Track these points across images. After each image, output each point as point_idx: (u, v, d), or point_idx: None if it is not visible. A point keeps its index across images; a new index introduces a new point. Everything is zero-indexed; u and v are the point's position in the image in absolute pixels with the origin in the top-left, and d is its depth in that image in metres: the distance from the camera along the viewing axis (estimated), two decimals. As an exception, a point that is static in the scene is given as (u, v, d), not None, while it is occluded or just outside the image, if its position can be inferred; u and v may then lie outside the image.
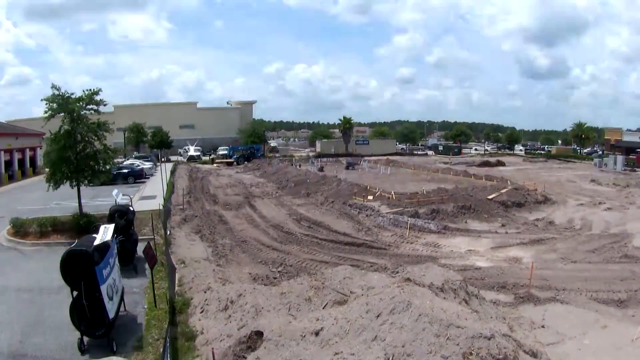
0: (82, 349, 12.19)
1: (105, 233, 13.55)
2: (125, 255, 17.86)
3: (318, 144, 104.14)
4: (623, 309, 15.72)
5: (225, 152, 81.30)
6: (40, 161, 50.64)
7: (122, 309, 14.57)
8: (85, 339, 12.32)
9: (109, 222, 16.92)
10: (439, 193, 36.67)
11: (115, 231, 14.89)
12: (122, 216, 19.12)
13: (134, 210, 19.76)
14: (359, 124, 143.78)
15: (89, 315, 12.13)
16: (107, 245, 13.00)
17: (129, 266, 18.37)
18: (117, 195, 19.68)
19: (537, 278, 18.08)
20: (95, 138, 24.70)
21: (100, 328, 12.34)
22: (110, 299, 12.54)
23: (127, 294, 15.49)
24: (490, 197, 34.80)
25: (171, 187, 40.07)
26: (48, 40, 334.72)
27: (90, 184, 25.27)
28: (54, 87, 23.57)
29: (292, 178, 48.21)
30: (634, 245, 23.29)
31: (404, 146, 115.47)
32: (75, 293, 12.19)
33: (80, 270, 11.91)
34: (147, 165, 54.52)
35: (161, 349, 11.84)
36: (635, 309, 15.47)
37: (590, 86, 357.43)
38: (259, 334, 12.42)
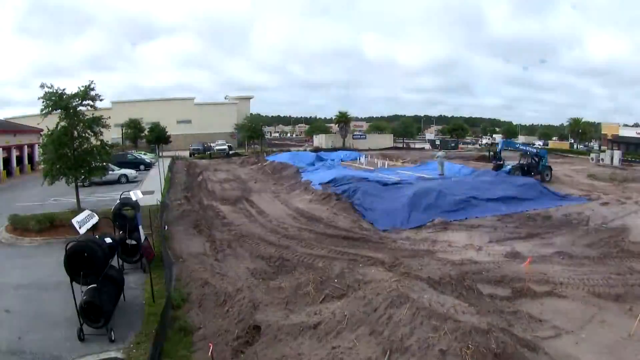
0: (82, 337, 12.65)
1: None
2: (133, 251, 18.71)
3: (315, 139, 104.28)
4: (620, 303, 15.74)
5: (224, 147, 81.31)
6: (38, 158, 50.75)
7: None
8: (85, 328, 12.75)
9: (115, 221, 19.04)
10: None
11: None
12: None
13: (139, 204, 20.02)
14: (356, 119, 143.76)
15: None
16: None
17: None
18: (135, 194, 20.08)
19: (534, 272, 18.11)
20: (92, 134, 24.71)
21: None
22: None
23: (126, 289, 15.53)
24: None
25: (169, 182, 40.07)
26: None
27: (86, 185, 25.41)
28: (43, 85, 23.55)
29: (288, 173, 48.14)
30: (630, 239, 23.30)
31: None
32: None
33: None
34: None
35: (158, 345, 11.89)
36: (632, 303, 15.50)
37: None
38: (257, 328, 12.47)
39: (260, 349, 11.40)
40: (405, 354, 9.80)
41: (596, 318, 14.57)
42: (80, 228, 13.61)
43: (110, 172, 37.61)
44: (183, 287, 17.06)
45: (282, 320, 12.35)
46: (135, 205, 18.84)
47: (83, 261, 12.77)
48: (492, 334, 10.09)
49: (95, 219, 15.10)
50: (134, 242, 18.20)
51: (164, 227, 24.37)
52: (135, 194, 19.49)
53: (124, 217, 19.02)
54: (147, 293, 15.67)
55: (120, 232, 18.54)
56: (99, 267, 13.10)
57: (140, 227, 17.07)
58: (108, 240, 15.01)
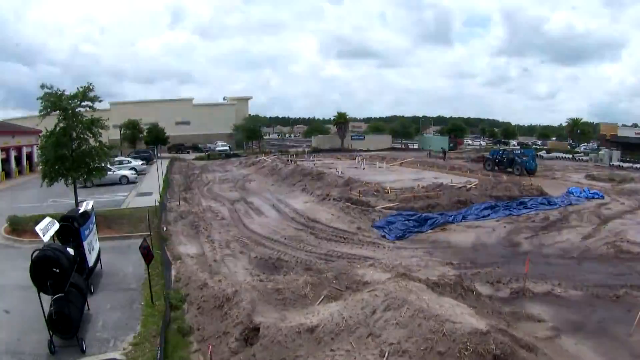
0: (53, 350, 12.32)
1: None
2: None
3: (313, 140, 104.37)
4: (619, 304, 15.79)
5: (225, 147, 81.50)
6: (37, 159, 50.66)
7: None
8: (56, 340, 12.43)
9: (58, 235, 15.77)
10: (434, 187, 36.67)
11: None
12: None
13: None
14: (355, 120, 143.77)
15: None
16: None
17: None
18: (86, 204, 19.39)
19: (533, 272, 18.14)
20: (90, 135, 24.69)
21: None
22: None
23: (125, 290, 15.55)
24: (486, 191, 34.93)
25: (167, 183, 40.07)
26: None
27: (88, 186, 25.36)
28: (43, 86, 23.53)
29: (287, 173, 48.10)
30: (629, 240, 23.38)
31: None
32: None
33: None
34: None
35: (157, 346, 11.88)
36: (631, 304, 15.53)
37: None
38: (255, 330, 12.45)
39: (259, 351, 11.39)
40: (404, 356, 9.79)
41: (595, 319, 14.60)
42: (44, 235, 13.34)
43: (110, 172, 37.47)
44: (182, 288, 17.07)
45: (281, 322, 12.34)
46: (78, 219, 16.72)
47: (50, 270, 12.42)
48: (490, 335, 10.10)
49: (57, 225, 14.84)
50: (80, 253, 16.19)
51: (163, 228, 24.38)
52: (87, 204, 18.82)
53: (67, 231, 16.27)
54: (146, 294, 15.66)
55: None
56: (65, 276, 12.73)
57: (85, 242, 16.40)
58: (69, 249, 14.55)
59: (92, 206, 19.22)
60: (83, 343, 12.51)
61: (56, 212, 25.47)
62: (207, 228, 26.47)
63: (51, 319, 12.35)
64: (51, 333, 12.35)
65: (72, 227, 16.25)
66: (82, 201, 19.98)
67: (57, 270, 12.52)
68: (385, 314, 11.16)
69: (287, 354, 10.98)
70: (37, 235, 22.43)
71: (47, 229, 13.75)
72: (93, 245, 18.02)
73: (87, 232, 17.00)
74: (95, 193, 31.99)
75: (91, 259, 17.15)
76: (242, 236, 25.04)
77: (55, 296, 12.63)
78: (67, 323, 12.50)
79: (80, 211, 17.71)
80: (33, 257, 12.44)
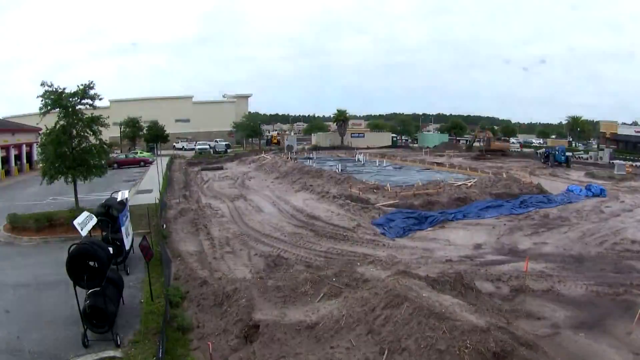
0: (86, 343, 12.31)
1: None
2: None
3: (314, 137, 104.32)
4: (619, 301, 15.78)
5: (219, 144, 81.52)
6: (36, 157, 50.64)
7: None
8: (89, 334, 12.42)
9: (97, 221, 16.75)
10: (434, 185, 36.65)
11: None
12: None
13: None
14: (355, 117, 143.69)
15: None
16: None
17: None
18: (122, 194, 19.98)
19: (533, 270, 18.14)
20: (91, 133, 24.67)
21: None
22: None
23: (125, 287, 15.52)
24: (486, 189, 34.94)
25: (167, 181, 40.06)
26: None
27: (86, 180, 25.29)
28: (43, 84, 23.50)
29: (286, 170, 48.11)
30: (629, 238, 23.36)
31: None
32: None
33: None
34: None
35: (158, 343, 11.88)
36: (630, 301, 15.53)
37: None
38: (255, 327, 12.47)
39: (259, 349, 11.41)
40: (403, 354, 9.81)
41: (595, 316, 14.60)
42: (82, 230, 13.38)
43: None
44: (181, 285, 17.07)
45: (280, 319, 12.35)
46: (116, 207, 18.42)
47: (86, 264, 12.49)
48: (490, 332, 10.10)
49: (94, 220, 14.92)
50: (117, 243, 17.65)
51: (163, 226, 24.38)
52: (122, 194, 20.14)
53: (107, 217, 18.22)
54: (146, 292, 15.65)
55: (103, 233, 18.09)
56: (102, 270, 12.72)
57: (122, 228, 18.05)
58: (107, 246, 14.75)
59: (127, 197, 20.98)
60: (118, 337, 12.52)
61: (58, 209, 25.58)
62: (207, 225, 26.47)
63: (85, 313, 12.39)
64: (85, 327, 12.37)
65: (111, 214, 18.18)
66: (117, 191, 21.05)
67: (94, 265, 12.61)
68: (385, 311, 11.18)
69: (286, 351, 10.99)
70: (35, 233, 22.71)
71: (84, 223, 13.75)
72: (129, 230, 19.42)
73: (124, 219, 18.67)
74: (95, 190, 31.94)
75: (127, 242, 18.67)
76: (241, 233, 25.04)
77: (91, 290, 12.67)
78: (102, 317, 12.56)
79: (117, 200, 19.44)
80: (70, 250, 12.45)
